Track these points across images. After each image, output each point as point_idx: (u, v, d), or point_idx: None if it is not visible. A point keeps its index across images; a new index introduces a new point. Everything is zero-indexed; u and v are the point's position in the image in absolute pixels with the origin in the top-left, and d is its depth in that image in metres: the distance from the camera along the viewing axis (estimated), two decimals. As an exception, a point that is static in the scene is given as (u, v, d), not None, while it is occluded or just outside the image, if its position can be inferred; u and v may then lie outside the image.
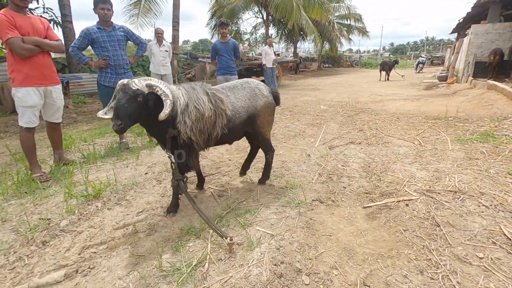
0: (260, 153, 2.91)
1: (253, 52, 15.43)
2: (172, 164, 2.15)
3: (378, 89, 11.16)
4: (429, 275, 1.63)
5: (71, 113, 6.76)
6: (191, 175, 2.87)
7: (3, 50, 9.34)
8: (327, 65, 30.93)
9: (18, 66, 2.82)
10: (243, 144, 4.21)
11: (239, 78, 9.24)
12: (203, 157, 3.65)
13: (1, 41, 7.59)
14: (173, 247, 1.92)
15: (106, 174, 3.11)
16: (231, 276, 1.66)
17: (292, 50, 25.72)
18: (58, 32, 7.08)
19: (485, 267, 1.67)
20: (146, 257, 1.83)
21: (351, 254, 1.84)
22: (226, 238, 1.87)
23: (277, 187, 2.81)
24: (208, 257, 1.80)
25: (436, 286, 1.55)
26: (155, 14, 13.51)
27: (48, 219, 2.27)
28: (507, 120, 4.68)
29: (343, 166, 3.30)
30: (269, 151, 2.78)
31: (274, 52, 12.32)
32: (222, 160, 3.58)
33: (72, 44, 3.63)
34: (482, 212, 2.22)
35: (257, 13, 20.99)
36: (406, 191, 2.62)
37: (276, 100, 2.64)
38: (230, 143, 2.62)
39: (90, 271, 1.73)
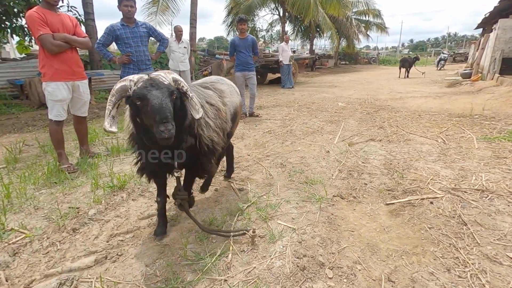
0: (276, 148, 2.91)
1: (269, 49, 15.38)
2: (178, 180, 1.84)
3: (397, 86, 10.88)
4: (456, 273, 1.59)
5: (93, 108, 6.98)
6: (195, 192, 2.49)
7: (29, 47, 9.75)
8: (343, 62, 30.42)
9: (49, 62, 2.94)
10: (262, 139, 4.23)
11: (256, 75, 9.10)
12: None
13: (27, 39, 7.88)
14: (196, 237, 1.96)
15: (129, 167, 3.20)
16: (254, 267, 1.68)
17: (308, 47, 25.43)
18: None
19: (516, 267, 1.61)
20: (170, 246, 1.88)
21: (374, 250, 1.82)
22: (248, 231, 1.90)
23: (296, 182, 2.80)
24: (231, 248, 1.83)
25: (464, 284, 1.52)
26: (173, 12, 13.71)
27: (77, 208, 2.37)
28: (538, 119, 4.46)
29: (363, 163, 3.25)
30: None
31: (291, 49, 12.23)
32: (241, 155, 3.61)
33: (98, 41, 3.75)
34: (512, 211, 2.14)
35: (273, 9, 20.88)
36: (430, 189, 2.56)
37: None
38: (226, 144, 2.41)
39: (118, 258, 1.80)
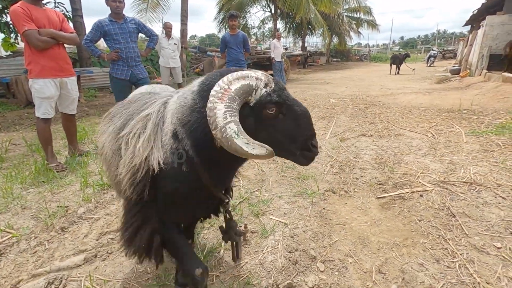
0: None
1: (261, 46, 15.36)
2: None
3: (388, 83, 10.98)
4: (445, 264, 1.62)
5: (82, 106, 6.86)
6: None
7: (15, 45, 9.51)
8: (335, 59, 30.57)
9: (35, 58, 2.87)
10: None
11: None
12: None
13: (13, 35, 7.67)
14: (188, 234, 1.95)
15: (119, 165, 3.16)
16: (246, 262, 1.68)
17: (300, 44, 25.46)
18: (69, 27, 7.16)
19: (503, 256, 1.65)
20: (162, 243, 1.86)
21: (365, 243, 1.84)
22: (240, 227, 1.89)
23: (288, 177, 2.81)
24: (223, 244, 1.82)
25: (453, 274, 1.55)
26: (163, 9, 13.53)
27: (66, 207, 2.32)
28: (524, 113, 4.56)
29: (354, 157, 3.27)
30: None
31: (283, 46, 12.22)
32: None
33: (85, 37, 3.68)
34: (499, 203, 2.18)
35: (265, 6, 20.82)
36: (420, 182, 2.59)
37: None
38: None
39: (108, 256, 1.77)
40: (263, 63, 11.66)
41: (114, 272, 1.64)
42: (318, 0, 16.10)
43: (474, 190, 2.41)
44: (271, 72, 10.28)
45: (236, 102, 0.92)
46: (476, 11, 13.44)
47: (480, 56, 9.90)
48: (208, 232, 1.97)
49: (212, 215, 1.46)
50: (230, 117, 0.89)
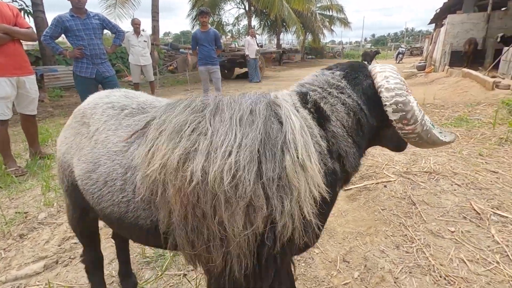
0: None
1: (236, 44, 15.29)
2: None
3: (359, 79, 11.34)
4: (404, 249, 1.71)
5: (47, 107, 6.50)
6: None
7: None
8: (310, 57, 31.05)
9: (-14, 56, 2.68)
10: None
11: (222, 69, 9.00)
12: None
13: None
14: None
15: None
16: (215, 259, 1.68)
17: (275, 41, 25.62)
18: (29, 23, 6.75)
19: (456, 239, 1.77)
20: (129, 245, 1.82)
21: (332, 233, 1.90)
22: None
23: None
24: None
25: (411, 259, 1.64)
26: (133, 4, 13.10)
27: (25, 213, 2.20)
28: (480, 106, 4.89)
29: (325, 152, 3.36)
30: None
31: (257, 43, 12.25)
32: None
33: (44, 33, 3.47)
34: (455, 190, 2.34)
35: (239, 3, 20.72)
36: (384, 173, 2.71)
37: None
38: None
39: (71, 261, 1.71)
40: (238, 60, 11.64)
41: (77, 277, 1.58)
42: (291, -3, 16.27)
43: (433, 179, 2.56)
44: (246, 69, 10.30)
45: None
46: (439, 10, 14.17)
47: (443, 53, 10.48)
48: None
49: None
50: (420, 110, 0.84)
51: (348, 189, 2.46)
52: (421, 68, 12.28)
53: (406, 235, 1.84)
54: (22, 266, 1.67)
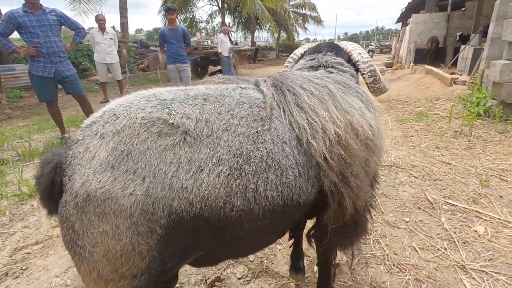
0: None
1: (209, 41, 15.10)
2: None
3: (331, 76, 11.62)
4: (362, 241, 1.78)
5: (4, 108, 6.08)
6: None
7: None
8: (285, 54, 31.28)
9: None
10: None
11: (195, 67, 8.89)
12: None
13: None
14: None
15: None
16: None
17: (250, 39, 25.60)
18: (-19, 18, 6.26)
19: (410, 229, 1.87)
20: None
21: (295, 229, 1.94)
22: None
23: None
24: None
25: (368, 249, 1.71)
26: (100, 0, 12.51)
27: (-27, 223, 2.05)
28: (439, 101, 5.18)
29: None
30: None
31: (231, 40, 12.16)
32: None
33: (-6, 30, 3.24)
34: (412, 182, 2.47)
35: (212, 0, 20.44)
36: (349, 168, 2.80)
37: None
38: None
39: (22, 273, 1.62)
40: (211, 57, 11.49)
41: (28, 289, 1.50)
42: (264, -5, 16.30)
43: (393, 172, 2.68)
44: (219, 67, 10.20)
45: None
46: (404, 9, 14.81)
47: (408, 50, 10.97)
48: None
49: None
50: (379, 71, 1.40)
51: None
52: (389, 66, 12.80)
53: (364, 227, 1.91)
54: (-34, 281, 1.56)
